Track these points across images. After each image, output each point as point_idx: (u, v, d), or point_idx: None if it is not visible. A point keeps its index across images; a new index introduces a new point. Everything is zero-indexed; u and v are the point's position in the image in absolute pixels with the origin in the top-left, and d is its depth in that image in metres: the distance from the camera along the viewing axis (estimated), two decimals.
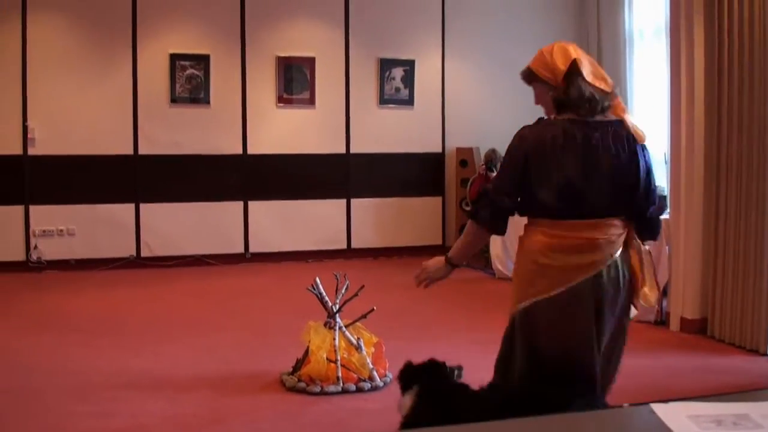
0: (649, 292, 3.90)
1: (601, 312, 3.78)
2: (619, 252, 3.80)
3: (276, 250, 11.39)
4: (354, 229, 11.69)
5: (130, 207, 10.94)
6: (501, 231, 4.02)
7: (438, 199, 12.05)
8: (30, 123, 10.59)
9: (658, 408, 1.55)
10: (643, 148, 3.85)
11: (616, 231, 3.80)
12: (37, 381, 6.00)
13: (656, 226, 3.97)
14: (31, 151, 10.63)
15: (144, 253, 10.99)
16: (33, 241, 10.68)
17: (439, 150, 12.02)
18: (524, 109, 11.96)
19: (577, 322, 3.78)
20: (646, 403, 1.60)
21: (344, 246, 11.65)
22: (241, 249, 11.33)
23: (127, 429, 5.04)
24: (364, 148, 11.63)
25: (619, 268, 3.80)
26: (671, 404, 1.56)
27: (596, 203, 3.75)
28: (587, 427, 1.62)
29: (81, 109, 10.71)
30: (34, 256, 10.66)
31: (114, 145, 10.83)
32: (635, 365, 6.38)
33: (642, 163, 3.80)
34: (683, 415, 1.49)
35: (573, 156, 3.73)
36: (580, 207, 3.76)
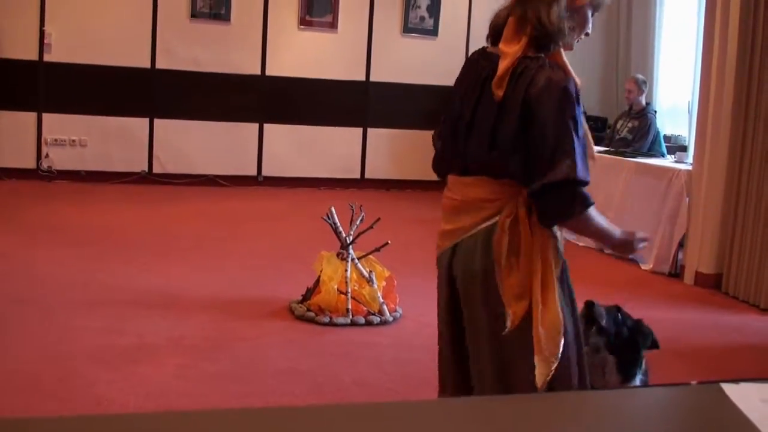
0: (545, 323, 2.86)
1: (457, 299, 3.05)
2: (486, 225, 2.91)
3: (289, 175, 11.28)
4: (369, 159, 11.56)
5: (144, 121, 10.81)
6: (438, 173, 3.26)
7: None
8: (47, 28, 10.40)
9: (729, 388, 1.45)
10: (539, 101, 2.77)
11: (488, 195, 2.92)
12: (43, 292, 5.96)
13: (545, 209, 2.83)
14: (46, 58, 10.46)
15: (156, 170, 10.88)
16: (44, 150, 10.57)
17: None
18: None
19: (439, 302, 3.19)
20: (715, 382, 1.49)
21: (358, 176, 11.53)
22: (254, 172, 11.22)
23: (133, 347, 4.99)
24: (384, 77, 11.46)
25: (477, 249, 2.93)
26: (742, 385, 1.46)
27: (474, 155, 2.94)
28: (651, 404, 1.52)
29: (100, 18, 10.52)
30: (44, 165, 10.56)
31: (131, 57, 10.66)
32: (646, 317, 6.31)
33: (520, 120, 2.80)
34: (757, 398, 1.39)
35: (461, 90, 3.06)
36: (458, 157, 3.02)
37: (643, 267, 7.75)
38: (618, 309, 3.80)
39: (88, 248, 7.29)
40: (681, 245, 7.53)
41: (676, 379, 4.86)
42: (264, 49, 11.09)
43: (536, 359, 2.80)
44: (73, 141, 10.61)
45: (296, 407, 2.27)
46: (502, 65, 2.84)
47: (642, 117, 9.47)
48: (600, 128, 10.99)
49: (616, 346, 3.62)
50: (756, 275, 6.82)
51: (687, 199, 7.43)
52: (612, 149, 8.98)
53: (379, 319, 5.68)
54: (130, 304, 5.80)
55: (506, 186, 2.88)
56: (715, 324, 6.36)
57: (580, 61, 11.79)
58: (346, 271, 5.73)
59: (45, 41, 10.39)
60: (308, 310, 5.69)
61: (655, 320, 6.22)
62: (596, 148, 9.07)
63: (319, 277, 5.77)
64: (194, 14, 10.79)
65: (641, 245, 3.18)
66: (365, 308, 5.70)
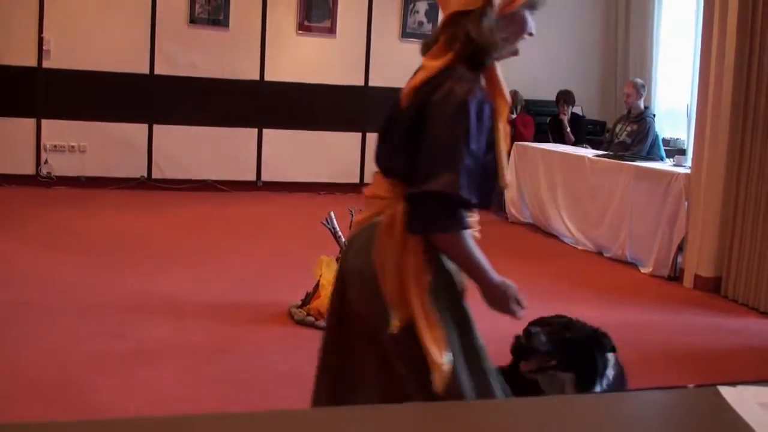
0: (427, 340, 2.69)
1: (344, 290, 2.92)
2: (373, 221, 2.80)
3: (288, 180, 11.29)
4: (368, 163, 11.55)
5: (143, 127, 10.82)
6: None
7: None
8: (45, 34, 10.42)
9: (726, 391, 1.45)
10: (435, 109, 2.65)
11: (380, 192, 2.83)
12: (43, 297, 5.96)
13: (414, 216, 2.68)
14: (45, 64, 10.47)
15: (155, 175, 10.89)
16: (44, 156, 10.58)
17: None
18: (548, 51, 11.92)
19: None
20: (713, 385, 1.50)
21: (357, 180, 11.52)
22: (253, 177, 11.23)
23: (133, 352, 4.99)
24: (383, 81, 11.45)
25: (362, 245, 2.82)
26: (740, 388, 1.46)
27: (376, 154, 2.93)
28: (648, 407, 1.53)
29: (98, 24, 10.53)
30: (44, 171, 10.57)
31: (130, 63, 10.68)
32: (647, 321, 6.34)
33: (414, 123, 2.70)
34: (754, 402, 1.38)
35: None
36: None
37: (642, 270, 7.75)
38: (568, 323, 3.61)
39: (88, 253, 7.29)
40: (680, 249, 7.52)
41: (675, 383, 4.87)
42: (263, 54, 11.10)
43: (430, 363, 2.65)
44: (73, 147, 10.62)
45: (296, 411, 2.28)
46: (417, 77, 2.78)
47: (641, 121, 9.48)
48: (599, 132, 11.02)
49: (569, 362, 3.44)
50: (755, 278, 6.82)
51: (686, 202, 7.43)
52: (611, 153, 8.99)
53: None
54: (130, 309, 5.80)
55: (396, 186, 2.77)
56: (714, 327, 6.36)
57: (579, 65, 11.88)
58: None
59: (44, 48, 10.41)
60: (308, 314, 5.69)
61: (655, 323, 6.26)
62: (595, 152, 9.11)
63: (319, 281, 5.77)
64: (193, 20, 10.81)
65: (517, 310, 2.86)
66: None
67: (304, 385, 4.63)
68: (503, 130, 2.75)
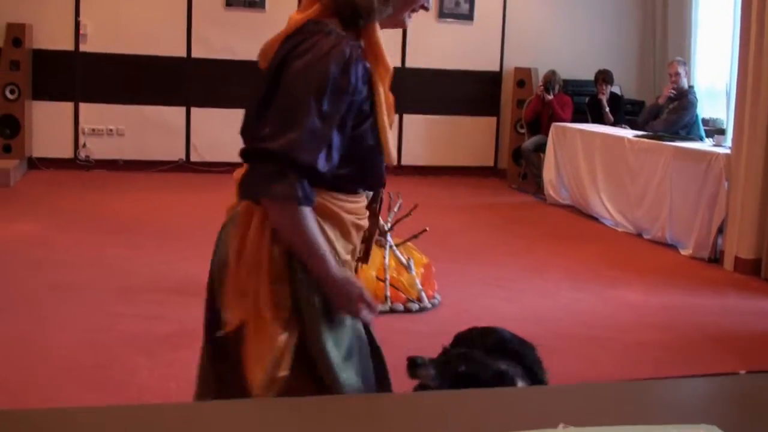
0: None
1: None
2: (236, 209, 2.50)
3: None
4: (405, 145, 11.52)
5: (180, 110, 10.85)
6: None
7: (492, 120, 11.82)
8: (82, 18, 10.47)
9: None
10: (291, 65, 2.31)
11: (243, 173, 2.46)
12: (83, 279, 6.00)
13: (245, 177, 2.38)
14: (82, 48, 10.52)
15: (193, 158, 10.93)
16: (82, 139, 10.64)
17: (497, 69, 11.76)
18: (585, 30, 11.82)
19: None
20: (765, 371, 1.46)
21: (394, 162, 11.48)
22: None
23: (173, 334, 5.00)
24: (420, 63, 11.40)
25: (225, 235, 2.53)
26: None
27: (243, 123, 2.53)
28: (701, 394, 1.50)
29: (135, 7, 10.57)
30: (82, 155, 10.64)
31: (167, 46, 10.70)
32: (688, 304, 6.28)
33: (270, 84, 2.36)
34: None
35: None
36: None
37: (682, 252, 7.67)
38: (465, 355, 2.84)
39: (127, 236, 7.33)
40: (720, 230, 7.44)
41: (717, 367, 4.81)
42: None
43: (249, 364, 2.33)
44: (111, 130, 10.68)
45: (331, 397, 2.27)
46: (279, 32, 2.42)
47: (683, 98, 9.37)
48: (637, 111, 10.89)
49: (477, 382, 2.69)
50: None
51: (726, 183, 7.34)
52: (650, 133, 8.90)
53: (417, 306, 5.66)
54: (170, 291, 5.82)
55: None
56: (755, 310, 6.29)
57: (616, 44, 11.77)
58: (384, 258, 5.71)
59: (81, 32, 10.46)
60: None
61: (695, 307, 6.20)
62: (634, 133, 9.01)
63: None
64: (229, 2, 10.80)
65: (365, 312, 2.41)
66: (404, 295, 5.68)
67: None
68: (384, 97, 2.39)
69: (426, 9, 2.52)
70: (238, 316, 2.36)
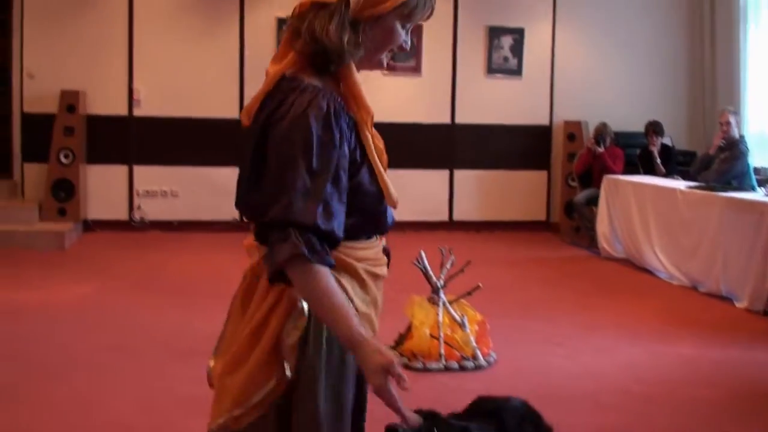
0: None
1: None
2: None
3: None
4: (456, 201, 11.52)
5: (233, 170, 10.88)
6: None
7: (543, 174, 11.79)
8: (136, 84, 10.71)
9: None
10: (274, 128, 2.27)
11: (251, 240, 2.46)
12: (138, 341, 6.05)
13: (267, 258, 2.29)
14: (136, 113, 10.76)
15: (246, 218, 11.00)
16: (136, 201, 10.80)
17: (547, 123, 11.76)
18: (634, 81, 11.80)
19: None
20: None
21: (446, 218, 11.49)
22: None
23: None
24: (470, 118, 11.43)
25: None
26: None
27: (237, 190, 2.45)
28: None
29: (187, 72, 10.77)
30: (137, 216, 10.78)
31: (219, 108, 10.85)
32: (742, 358, 6.15)
33: (256, 151, 2.33)
34: None
35: None
36: None
37: (737, 305, 7.53)
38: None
39: (183, 296, 7.38)
40: None
41: None
42: None
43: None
44: (164, 191, 10.83)
45: None
46: (259, 90, 2.40)
47: (734, 147, 9.30)
48: (689, 162, 10.80)
49: None
50: None
51: None
52: (702, 184, 8.81)
53: (472, 363, 5.62)
54: None
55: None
56: None
57: (666, 96, 11.74)
58: (437, 315, 5.69)
59: (134, 97, 10.69)
60: (401, 355, 5.64)
61: (751, 361, 6.08)
62: (687, 184, 8.92)
63: (411, 322, 5.74)
64: None
65: (391, 387, 2.23)
66: (458, 353, 5.65)
67: None
68: (372, 142, 2.37)
69: (404, 50, 2.44)
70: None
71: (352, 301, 2.33)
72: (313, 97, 2.25)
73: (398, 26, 2.36)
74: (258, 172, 2.29)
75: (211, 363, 2.46)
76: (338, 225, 2.23)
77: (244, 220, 2.29)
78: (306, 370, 2.29)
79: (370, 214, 2.37)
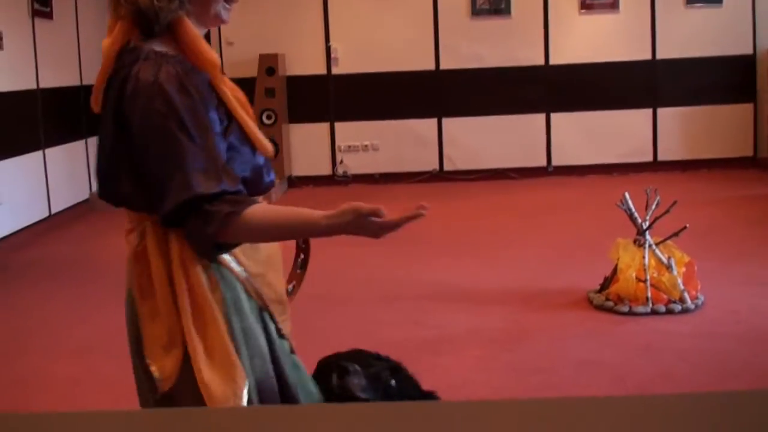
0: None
1: None
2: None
3: (579, 163, 11.10)
4: (661, 140, 11.18)
5: (432, 122, 11.04)
6: None
7: (749, 106, 11.23)
8: (332, 43, 10.90)
9: None
10: (131, 108, 2.15)
11: (128, 225, 2.33)
12: (344, 289, 6.24)
13: (190, 241, 2.18)
14: (334, 71, 10.97)
15: (447, 167, 11.07)
16: (339, 156, 11.04)
17: (750, 51, 11.18)
18: None
19: None
20: None
21: (650, 158, 11.18)
22: (543, 162, 11.15)
23: (434, 339, 5.09)
24: (671, 53, 11.02)
25: (129, 293, 2.36)
26: None
27: (97, 175, 2.35)
28: None
29: (381, 28, 10.88)
30: (339, 171, 11.03)
31: (415, 60, 10.94)
32: None
33: (116, 135, 2.21)
34: None
35: None
36: None
37: None
38: (396, 368, 2.85)
39: (385, 245, 7.41)
40: None
41: None
42: (546, 38, 11.00)
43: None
44: (366, 146, 11.02)
45: (597, 398, 2.23)
46: (100, 69, 2.22)
47: None
48: None
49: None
50: None
51: None
52: None
53: (680, 307, 5.47)
54: (429, 297, 5.92)
55: (132, 214, 2.29)
56: None
57: None
58: (644, 258, 5.56)
59: (332, 56, 10.90)
60: (607, 299, 5.57)
61: None
62: None
63: (617, 265, 5.64)
64: (475, 11, 10.88)
65: (382, 225, 2.41)
66: (665, 296, 5.51)
67: (605, 373, 4.57)
68: (230, 93, 2.24)
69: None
70: (174, 362, 2.23)
71: (243, 265, 2.31)
72: (157, 64, 2.14)
73: None
74: (125, 159, 2.19)
75: (153, 368, 2.27)
76: (239, 182, 2.18)
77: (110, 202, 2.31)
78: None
79: (249, 172, 2.28)
